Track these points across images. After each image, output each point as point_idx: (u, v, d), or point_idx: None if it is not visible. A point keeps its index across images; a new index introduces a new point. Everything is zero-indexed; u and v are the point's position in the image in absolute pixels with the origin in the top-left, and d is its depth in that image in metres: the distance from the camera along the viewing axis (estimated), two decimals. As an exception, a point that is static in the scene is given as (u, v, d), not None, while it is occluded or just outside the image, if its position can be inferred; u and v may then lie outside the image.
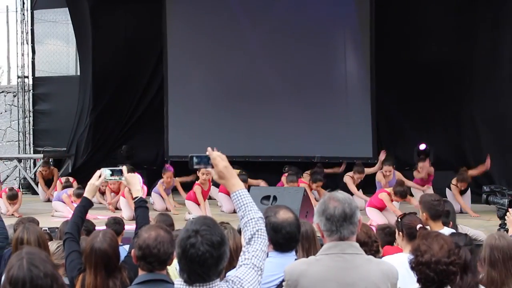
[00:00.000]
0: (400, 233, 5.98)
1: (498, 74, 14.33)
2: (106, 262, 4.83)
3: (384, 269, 3.77)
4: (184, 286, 3.32)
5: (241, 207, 3.65)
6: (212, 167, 3.69)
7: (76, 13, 17.61)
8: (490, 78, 14.43)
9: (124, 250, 6.62)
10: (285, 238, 4.48)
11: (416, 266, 4.15)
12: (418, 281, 4.15)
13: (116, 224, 7.49)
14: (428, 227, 6.20)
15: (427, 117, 15.36)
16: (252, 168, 15.20)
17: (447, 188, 12.87)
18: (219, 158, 3.68)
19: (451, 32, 15.21)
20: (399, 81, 15.79)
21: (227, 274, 3.52)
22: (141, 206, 4.99)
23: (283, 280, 3.80)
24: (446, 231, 6.55)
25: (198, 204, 12.35)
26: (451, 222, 7.11)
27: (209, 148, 3.75)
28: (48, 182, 15.93)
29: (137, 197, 4.98)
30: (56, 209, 13.11)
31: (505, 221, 6.63)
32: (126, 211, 12.60)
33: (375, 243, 5.73)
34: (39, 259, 3.31)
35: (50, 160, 17.05)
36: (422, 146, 14.53)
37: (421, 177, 13.48)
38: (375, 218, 11.32)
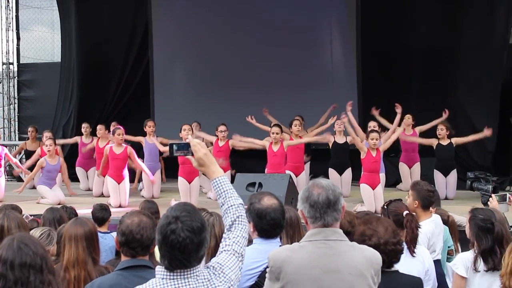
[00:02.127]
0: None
1: (486, 59, 14.38)
2: (86, 237, 4.87)
3: (368, 255, 3.78)
4: (165, 272, 3.32)
5: (221, 194, 3.66)
6: (192, 154, 3.69)
7: (62, -1, 17.54)
8: (478, 64, 14.47)
9: (112, 237, 6.64)
10: (269, 224, 4.49)
11: None
12: None
13: (102, 211, 7.48)
14: (414, 213, 6.23)
15: (415, 103, 15.38)
16: (238, 154, 15.20)
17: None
18: (198, 146, 3.69)
19: (438, 19, 15.24)
20: (386, 68, 15.85)
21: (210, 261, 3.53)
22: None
23: (267, 267, 3.81)
24: (434, 217, 6.60)
25: (189, 181, 12.42)
26: (435, 208, 7.15)
27: (189, 136, 3.75)
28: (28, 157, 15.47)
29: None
30: (41, 194, 13.03)
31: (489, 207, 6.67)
32: (113, 198, 12.56)
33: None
34: (30, 240, 3.29)
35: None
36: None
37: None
38: (366, 199, 11.51)
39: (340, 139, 13.80)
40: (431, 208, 6.61)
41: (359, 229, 4.61)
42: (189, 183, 12.53)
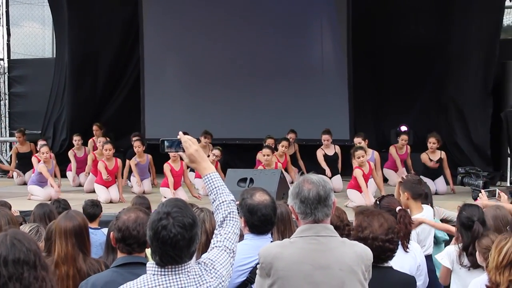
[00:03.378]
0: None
1: (476, 56, 14.38)
2: (76, 233, 4.87)
3: (358, 251, 3.78)
4: (156, 268, 3.32)
5: (212, 190, 3.66)
6: (183, 150, 3.69)
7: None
8: (469, 60, 14.47)
9: (102, 233, 6.64)
10: (260, 220, 4.49)
11: (355, 241, 4.29)
12: None
13: (94, 207, 7.47)
14: (408, 209, 6.24)
15: (405, 99, 15.39)
16: (229, 150, 15.22)
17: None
18: (190, 142, 3.69)
19: (430, 14, 15.24)
20: (376, 63, 15.85)
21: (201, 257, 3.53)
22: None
23: (258, 263, 3.81)
24: (426, 210, 6.61)
25: (175, 189, 12.33)
26: (429, 204, 7.18)
27: (180, 132, 3.75)
28: (23, 159, 15.67)
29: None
30: (32, 193, 13.03)
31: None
32: (102, 194, 12.56)
33: (347, 226, 5.75)
34: (23, 236, 3.28)
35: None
36: (403, 128, 14.55)
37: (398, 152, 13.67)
38: (356, 200, 11.34)
39: (329, 151, 13.84)
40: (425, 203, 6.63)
41: (359, 218, 4.66)
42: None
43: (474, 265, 5.39)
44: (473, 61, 14.41)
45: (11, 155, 16.98)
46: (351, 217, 7.29)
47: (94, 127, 15.57)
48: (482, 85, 14.33)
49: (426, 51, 15.10)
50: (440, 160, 13.09)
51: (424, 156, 13.13)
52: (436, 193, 12.43)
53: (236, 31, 16.46)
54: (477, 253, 5.15)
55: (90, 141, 15.34)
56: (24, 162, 15.53)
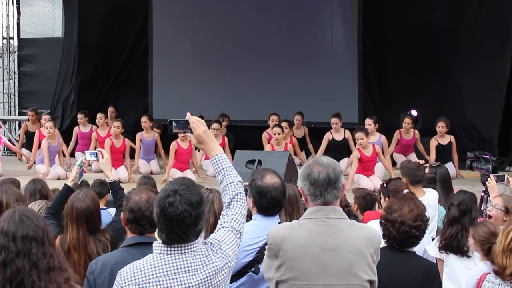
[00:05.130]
0: (386, 198, 6.02)
1: (488, 41, 14.26)
2: (88, 218, 4.90)
3: (367, 234, 3.77)
4: (162, 247, 3.33)
5: (220, 171, 3.67)
6: (191, 131, 3.68)
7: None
8: (479, 45, 14.36)
9: (108, 213, 6.63)
10: (269, 203, 4.49)
11: (384, 222, 4.34)
12: (383, 236, 4.40)
13: (101, 186, 7.46)
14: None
15: (415, 83, 15.33)
16: (237, 132, 15.23)
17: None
18: (198, 123, 3.69)
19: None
20: (387, 47, 15.80)
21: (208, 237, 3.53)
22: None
23: (265, 244, 3.80)
24: (428, 195, 6.59)
25: (182, 171, 12.34)
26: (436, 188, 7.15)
27: (188, 113, 3.74)
28: (30, 140, 15.42)
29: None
30: (39, 172, 12.99)
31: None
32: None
33: (346, 207, 5.75)
34: (31, 213, 3.30)
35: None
36: (414, 112, 14.47)
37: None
38: (364, 184, 11.29)
39: (338, 136, 13.76)
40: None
41: (390, 200, 4.67)
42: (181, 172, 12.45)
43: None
44: (485, 47, 14.25)
45: (19, 134, 16.98)
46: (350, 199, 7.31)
47: (110, 109, 15.47)
48: (496, 72, 14.15)
49: (437, 35, 15.02)
50: (449, 144, 13.04)
51: (432, 142, 13.07)
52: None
53: (246, 14, 16.46)
54: (470, 240, 5.14)
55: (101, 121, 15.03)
56: (32, 141, 15.40)
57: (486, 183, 6.45)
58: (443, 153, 12.95)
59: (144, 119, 13.75)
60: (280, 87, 15.95)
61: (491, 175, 6.53)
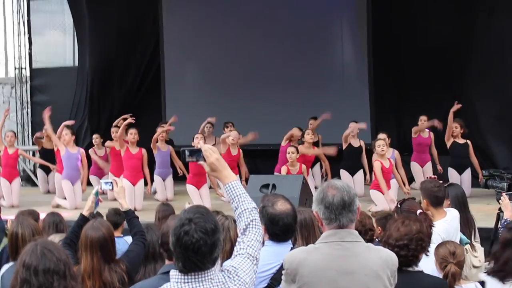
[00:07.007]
0: (400, 218, 5.99)
1: (499, 58, 14.25)
2: (102, 246, 4.91)
3: (384, 256, 3.76)
4: (179, 275, 3.32)
5: (234, 198, 3.67)
6: (205, 160, 3.71)
7: (75, 3, 17.57)
8: (490, 62, 14.34)
9: (125, 241, 6.63)
10: (282, 230, 4.48)
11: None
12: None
13: (116, 215, 7.45)
14: (429, 212, 6.19)
15: (427, 101, 15.30)
16: (250, 155, 15.21)
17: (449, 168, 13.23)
18: (210, 151, 3.71)
19: (451, 15, 15.10)
20: (397, 65, 15.80)
21: (223, 264, 3.53)
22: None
23: (280, 269, 3.80)
24: (449, 215, 6.52)
25: (198, 187, 12.37)
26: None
27: (201, 141, 3.77)
28: (47, 156, 15.35)
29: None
30: (63, 193, 12.92)
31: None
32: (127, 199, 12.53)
33: (370, 231, 5.72)
34: (53, 246, 3.31)
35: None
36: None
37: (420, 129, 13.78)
38: (378, 203, 11.38)
39: (355, 143, 13.79)
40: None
41: (395, 219, 4.66)
42: (198, 189, 12.49)
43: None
44: (494, 63, 14.25)
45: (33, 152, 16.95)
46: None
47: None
48: (506, 87, 14.15)
49: (448, 52, 15.01)
50: (466, 145, 13.06)
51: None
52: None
53: (255, 39, 16.56)
54: (434, 260, 5.11)
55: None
56: (47, 158, 15.30)
57: (500, 201, 6.42)
58: (459, 152, 13.12)
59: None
60: (291, 110, 15.94)
61: (504, 193, 6.49)
